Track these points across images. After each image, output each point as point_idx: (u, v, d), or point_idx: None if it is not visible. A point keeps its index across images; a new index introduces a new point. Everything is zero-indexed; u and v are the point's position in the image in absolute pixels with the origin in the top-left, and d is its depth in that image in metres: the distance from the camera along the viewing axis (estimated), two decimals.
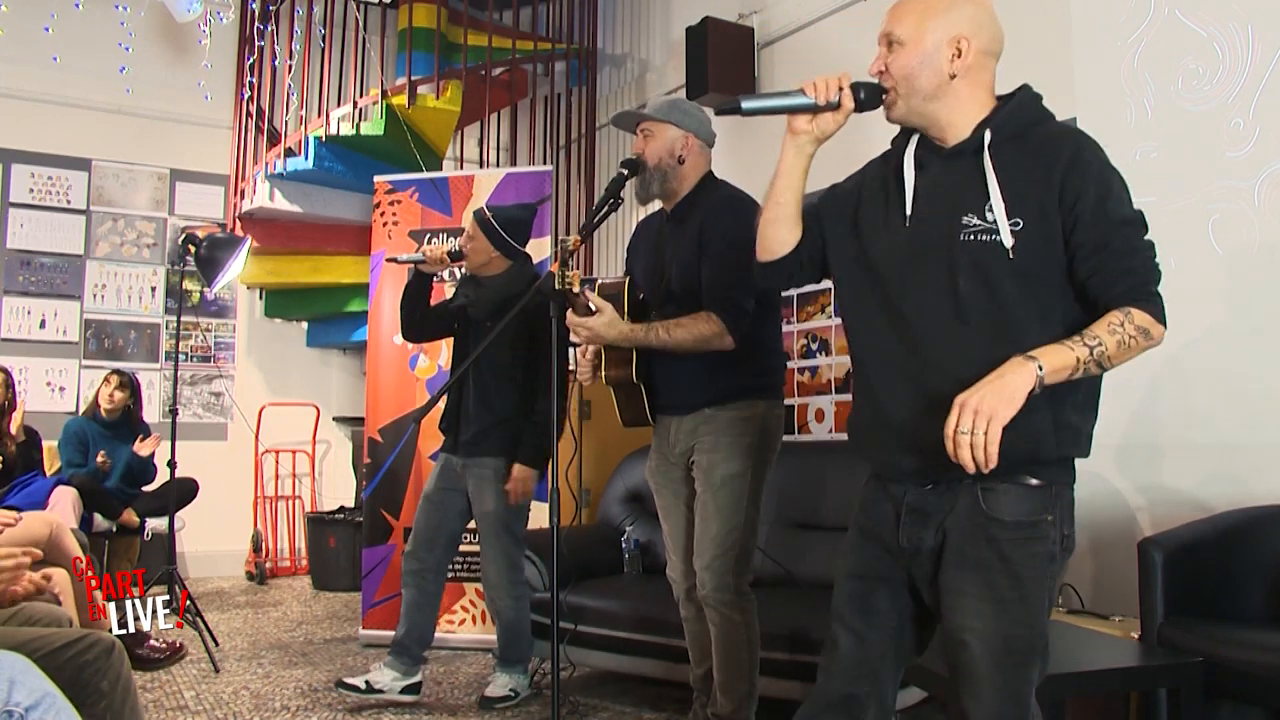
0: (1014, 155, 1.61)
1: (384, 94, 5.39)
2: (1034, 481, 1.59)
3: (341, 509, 6.43)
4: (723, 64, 4.98)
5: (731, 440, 2.63)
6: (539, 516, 4.21)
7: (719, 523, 2.61)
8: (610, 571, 3.82)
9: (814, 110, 1.72)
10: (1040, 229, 1.57)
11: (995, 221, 1.58)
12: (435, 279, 3.64)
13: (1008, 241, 1.56)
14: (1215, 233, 3.24)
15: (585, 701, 3.47)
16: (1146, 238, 1.59)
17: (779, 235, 1.83)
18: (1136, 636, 2.61)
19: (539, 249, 4.48)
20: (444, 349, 4.40)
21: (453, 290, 3.77)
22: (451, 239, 3.89)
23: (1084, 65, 3.64)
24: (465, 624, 4.40)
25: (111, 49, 5.75)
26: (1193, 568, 2.59)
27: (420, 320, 3.58)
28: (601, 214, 2.65)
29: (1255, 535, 2.72)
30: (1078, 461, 1.68)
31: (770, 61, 5.15)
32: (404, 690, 3.41)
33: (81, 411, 5.41)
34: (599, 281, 2.85)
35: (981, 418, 1.45)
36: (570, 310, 2.56)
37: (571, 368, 3.29)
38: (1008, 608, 1.57)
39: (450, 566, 4.39)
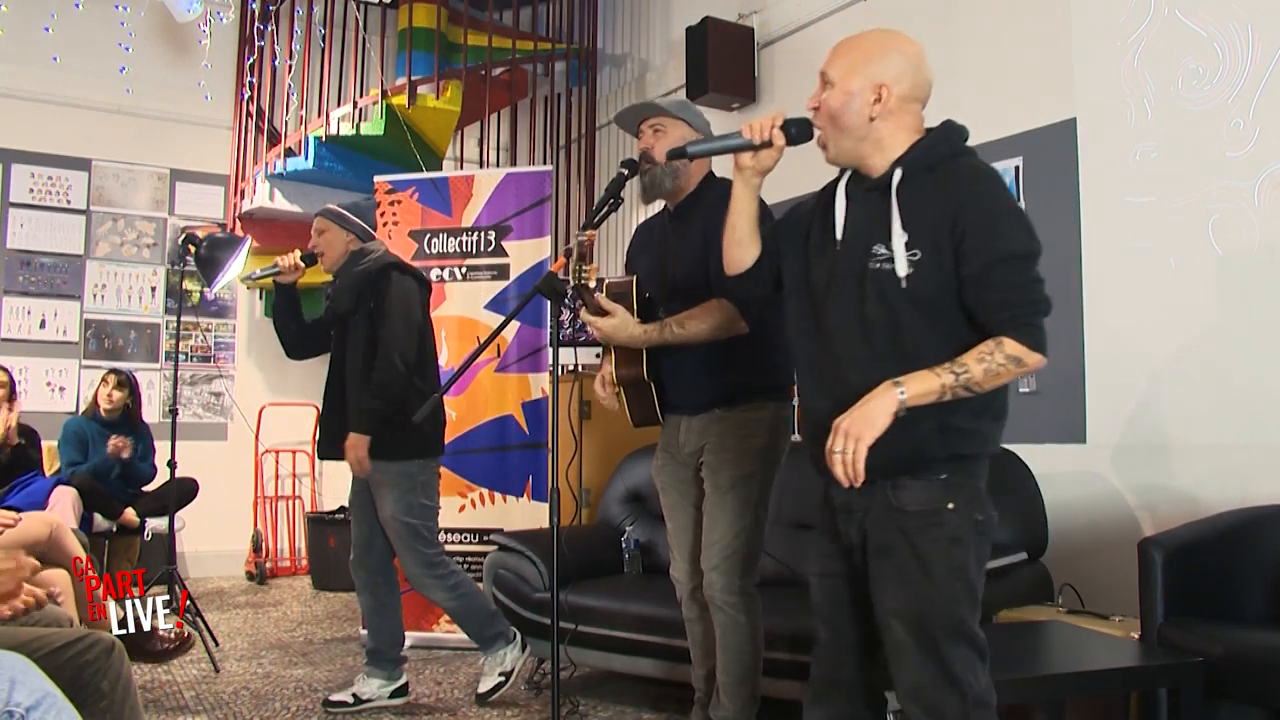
0: (921, 189, 1.78)
1: (384, 94, 5.39)
2: (940, 475, 1.77)
3: (341, 509, 6.42)
4: (723, 64, 4.99)
5: (740, 441, 2.63)
6: (539, 516, 4.23)
7: (727, 524, 2.61)
8: (610, 571, 3.82)
9: (752, 149, 1.94)
10: (935, 259, 1.74)
11: (896, 253, 1.76)
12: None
13: (901, 271, 1.75)
14: (1215, 233, 3.24)
15: (585, 701, 3.47)
16: (1032, 272, 1.73)
17: (739, 255, 2.06)
18: (1136, 636, 2.61)
19: (538, 249, 4.48)
20: (443, 348, 4.39)
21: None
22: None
23: (1084, 65, 3.64)
24: None
25: (111, 49, 5.75)
26: (1193, 568, 2.59)
27: (297, 333, 3.53)
28: (602, 213, 2.64)
29: (1255, 535, 2.72)
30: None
31: (770, 61, 5.15)
32: (393, 694, 3.40)
33: (81, 411, 5.41)
34: (606, 281, 2.85)
35: (850, 439, 1.68)
36: (583, 307, 2.57)
37: (582, 363, 3.23)
38: (918, 589, 1.75)
39: None
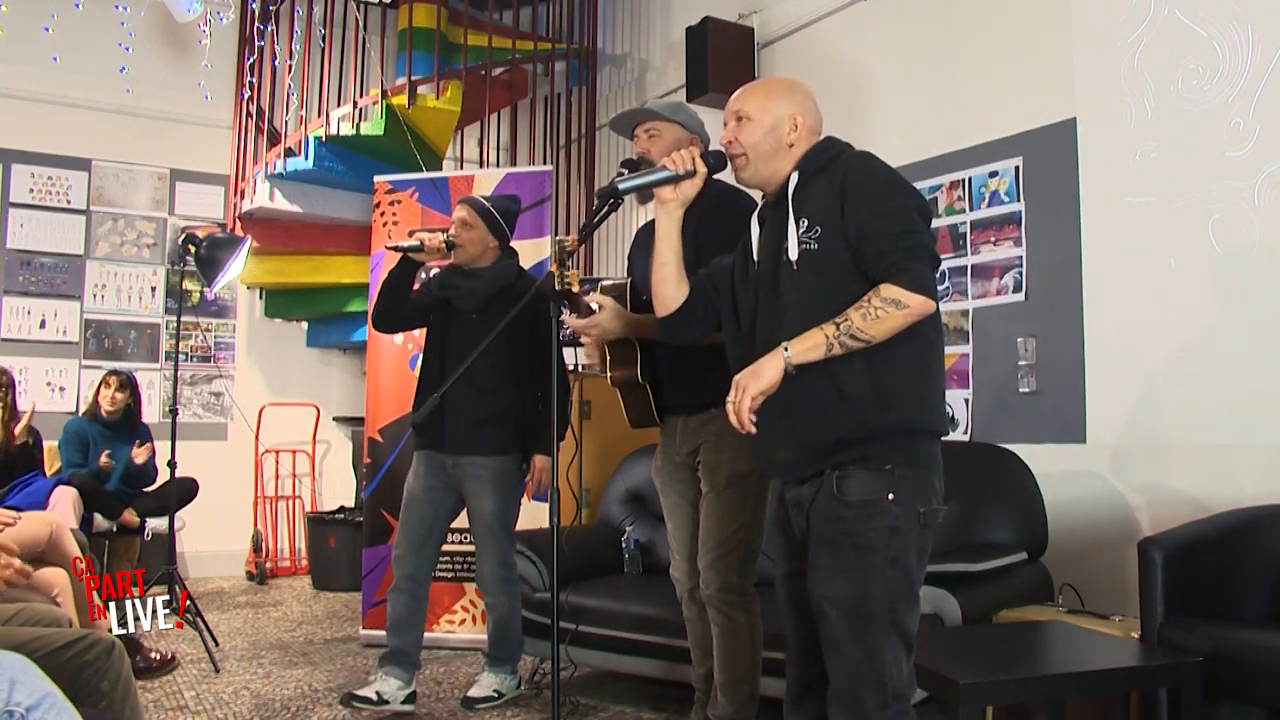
0: (817, 184, 1.94)
1: (384, 94, 5.39)
2: (885, 466, 1.82)
3: (341, 509, 6.43)
4: (723, 64, 4.99)
5: (737, 440, 2.60)
6: (539, 516, 4.23)
7: (724, 522, 2.60)
8: (610, 571, 3.82)
9: (676, 180, 2.09)
10: (838, 230, 1.86)
11: (799, 236, 1.90)
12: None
13: (792, 255, 1.89)
14: (1215, 233, 3.24)
15: (585, 701, 3.47)
16: (907, 224, 1.83)
17: (669, 292, 2.15)
18: (1136, 636, 2.61)
19: (538, 249, 4.48)
20: None
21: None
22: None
23: (1084, 65, 3.64)
24: (465, 624, 4.41)
25: (111, 49, 5.74)
26: (1193, 568, 2.59)
27: (399, 308, 3.52)
28: (601, 214, 2.64)
29: (1255, 535, 2.72)
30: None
31: (770, 61, 5.15)
32: (405, 700, 3.39)
33: (81, 412, 5.41)
34: (602, 282, 2.84)
35: (739, 390, 1.83)
36: (573, 313, 2.55)
37: (582, 363, 3.22)
38: (854, 577, 1.81)
39: (451, 567, 4.42)
